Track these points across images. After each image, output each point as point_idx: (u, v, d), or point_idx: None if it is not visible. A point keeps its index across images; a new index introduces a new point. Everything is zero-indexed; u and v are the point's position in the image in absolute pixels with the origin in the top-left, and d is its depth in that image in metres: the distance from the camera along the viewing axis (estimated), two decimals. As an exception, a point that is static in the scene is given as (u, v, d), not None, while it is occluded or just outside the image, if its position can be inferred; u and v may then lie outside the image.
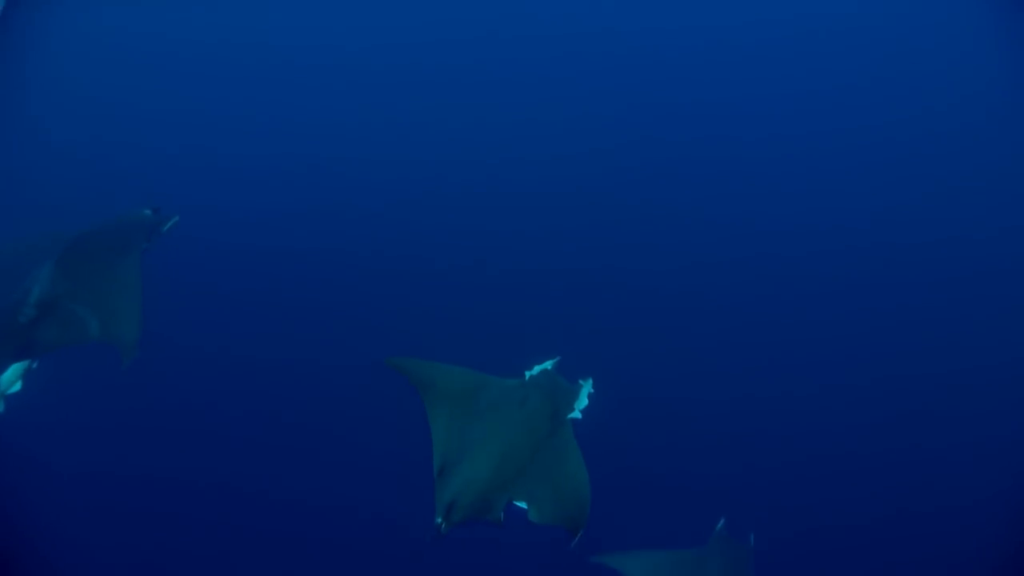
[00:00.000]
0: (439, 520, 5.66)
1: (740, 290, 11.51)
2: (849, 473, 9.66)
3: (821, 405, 10.23)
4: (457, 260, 11.18)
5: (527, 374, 6.41)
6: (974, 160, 13.51)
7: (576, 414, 6.18)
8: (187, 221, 7.45)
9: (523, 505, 5.85)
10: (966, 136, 13.81)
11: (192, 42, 14.41)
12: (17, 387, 6.59)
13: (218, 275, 10.49)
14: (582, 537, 5.64)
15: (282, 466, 8.89)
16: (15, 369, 6.51)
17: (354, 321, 10.20)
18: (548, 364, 6.42)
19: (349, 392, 9.34)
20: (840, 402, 10.31)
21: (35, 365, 6.60)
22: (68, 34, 13.70)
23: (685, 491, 8.50)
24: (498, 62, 14.57)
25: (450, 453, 6.02)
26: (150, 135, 12.53)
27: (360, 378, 8.85)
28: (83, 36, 13.93)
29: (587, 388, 6.28)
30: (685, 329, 10.86)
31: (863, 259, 12.21)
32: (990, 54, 14.26)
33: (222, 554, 8.22)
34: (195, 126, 12.93)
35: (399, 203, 12.06)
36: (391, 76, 14.29)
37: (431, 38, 15.02)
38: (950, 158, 13.57)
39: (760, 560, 7.09)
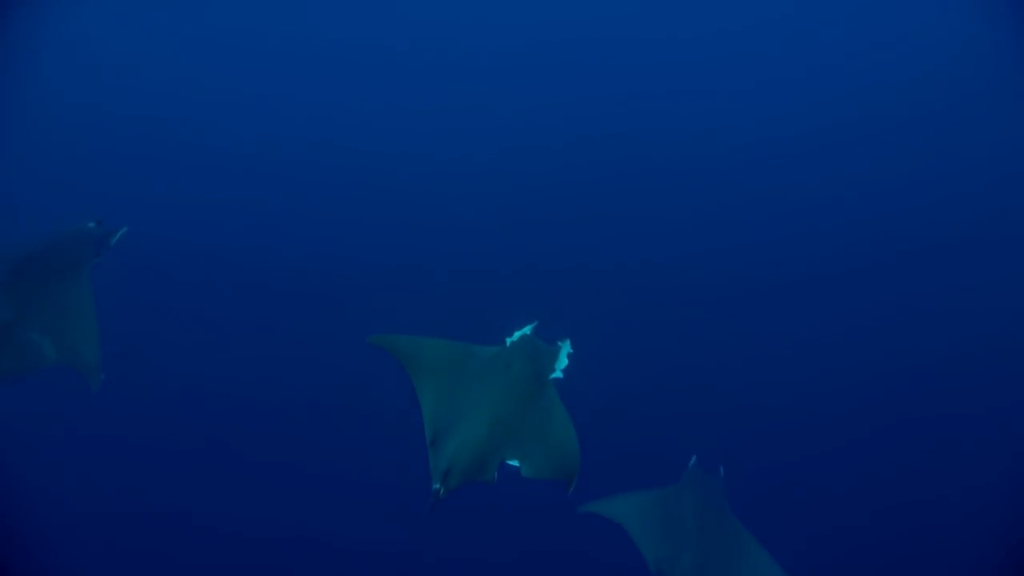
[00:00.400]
0: (437, 486, 5.97)
1: (710, 252, 12.06)
2: (822, 418, 10.37)
3: (792, 357, 10.91)
4: (430, 239, 11.44)
5: (508, 340, 6.72)
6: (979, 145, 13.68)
7: (558, 374, 6.54)
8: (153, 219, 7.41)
9: (515, 463, 6.22)
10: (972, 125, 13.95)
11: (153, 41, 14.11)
12: None
13: (189, 277, 10.49)
14: (575, 488, 6.06)
15: (270, 463, 9.08)
16: None
17: (329, 311, 10.36)
18: (527, 329, 6.74)
19: (335, 385, 9.52)
20: (816, 356, 10.99)
21: None
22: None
23: (661, 436, 9.05)
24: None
25: (441, 422, 6.30)
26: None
27: (344, 369, 9.02)
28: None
29: (566, 349, 6.64)
30: (655, 288, 11.41)
31: (841, 239, 12.62)
32: (989, 53, 14.29)
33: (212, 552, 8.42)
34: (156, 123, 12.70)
35: (366, 189, 12.17)
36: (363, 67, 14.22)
37: (422, 25, 14.93)
38: (960, 147, 13.73)
39: (732, 492, 7.66)
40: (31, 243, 6.94)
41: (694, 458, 7.74)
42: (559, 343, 6.69)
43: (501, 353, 6.63)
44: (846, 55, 15.68)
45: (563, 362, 6.57)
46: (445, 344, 6.69)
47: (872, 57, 15.50)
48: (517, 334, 6.71)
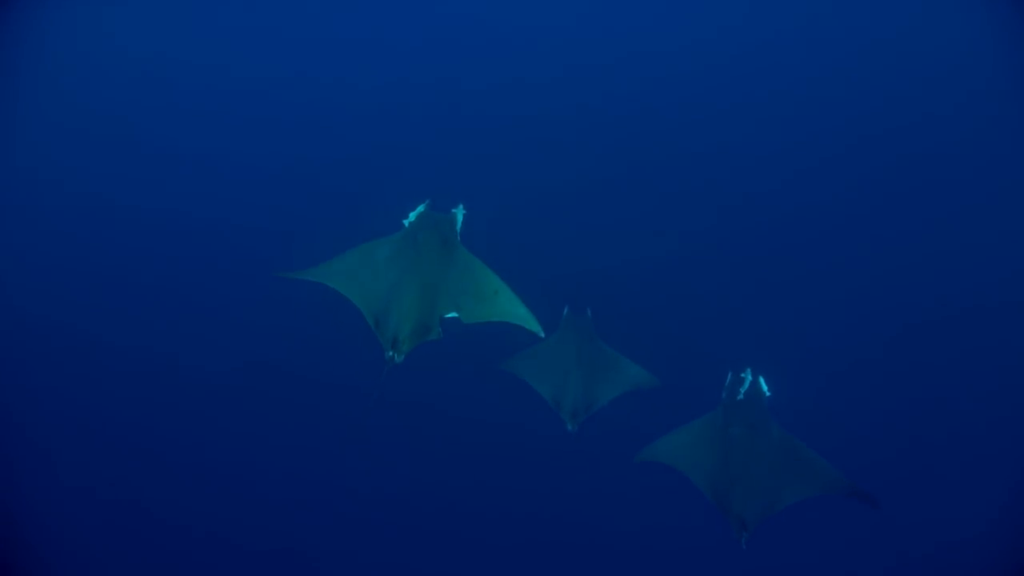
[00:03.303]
0: (389, 353, 6.49)
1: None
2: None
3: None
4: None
5: (405, 222, 7.26)
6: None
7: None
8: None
9: (455, 315, 6.86)
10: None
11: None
12: None
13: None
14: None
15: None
16: None
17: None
18: (421, 207, 7.34)
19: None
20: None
21: None
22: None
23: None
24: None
25: (376, 307, 6.88)
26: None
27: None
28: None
29: (460, 213, 7.38)
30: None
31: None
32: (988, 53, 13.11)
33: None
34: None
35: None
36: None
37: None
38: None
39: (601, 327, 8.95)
40: None
41: (567, 308, 8.91)
42: (454, 210, 7.40)
43: (405, 234, 7.20)
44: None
45: (460, 224, 7.31)
46: (347, 254, 7.13)
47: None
48: (412, 214, 7.29)
